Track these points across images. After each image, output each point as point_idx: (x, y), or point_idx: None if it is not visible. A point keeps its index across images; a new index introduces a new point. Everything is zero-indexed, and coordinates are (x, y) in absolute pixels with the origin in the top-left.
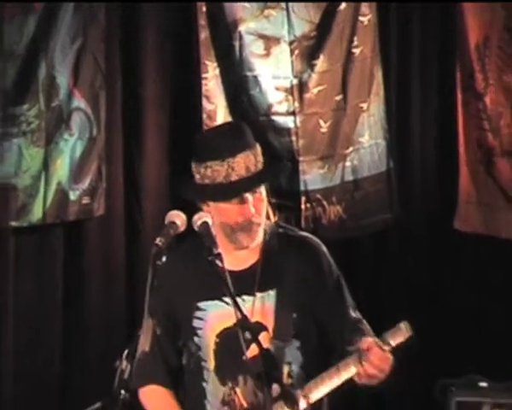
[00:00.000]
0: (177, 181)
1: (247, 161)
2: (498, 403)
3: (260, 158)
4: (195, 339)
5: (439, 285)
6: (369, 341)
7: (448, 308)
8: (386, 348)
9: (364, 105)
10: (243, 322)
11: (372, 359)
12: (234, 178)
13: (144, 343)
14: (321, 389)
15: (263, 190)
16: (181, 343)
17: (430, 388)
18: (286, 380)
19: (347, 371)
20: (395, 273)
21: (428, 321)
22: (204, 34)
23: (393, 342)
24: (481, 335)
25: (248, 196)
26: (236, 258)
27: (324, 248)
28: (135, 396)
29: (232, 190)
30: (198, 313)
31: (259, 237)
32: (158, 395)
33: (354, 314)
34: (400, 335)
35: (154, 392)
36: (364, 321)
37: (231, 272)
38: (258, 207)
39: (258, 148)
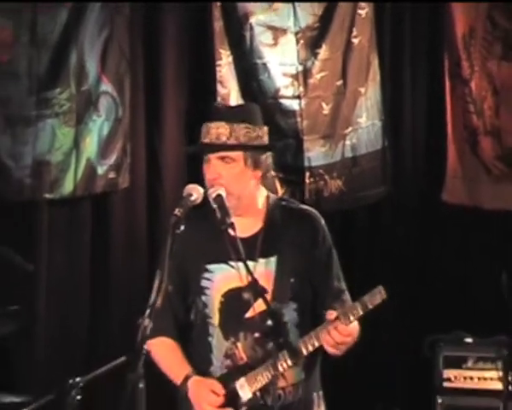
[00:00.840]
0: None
1: (220, 130)
2: (482, 357)
3: (240, 135)
4: (203, 297)
5: (428, 252)
6: (334, 315)
7: (436, 272)
8: (361, 311)
9: (362, 89)
10: (253, 284)
11: (334, 334)
12: (205, 140)
13: (158, 300)
14: (310, 344)
15: (240, 161)
16: (190, 301)
17: (419, 344)
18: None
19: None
20: (387, 242)
21: (418, 284)
22: (218, 25)
23: (370, 305)
24: (466, 296)
25: (213, 159)
26: (241, 225)
27: (322, 222)
28: None
29: (195, 148)
30: (206, 275)
31: (229, 202)
32: (167, 346)
33: (338, 284)
34: (376, 298)
35: (163, 343)
36: (347, 292)
37: (239, 238)
38: (227, 174)
39: (244, 125)
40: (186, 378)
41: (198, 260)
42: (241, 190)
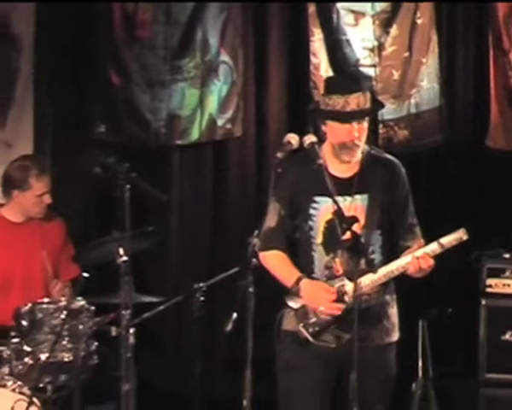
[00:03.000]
0: (309, 109)
1: (359, 100)
2: None
3: (368, 99)
4: (309, 222)
5: (475, 186)
6: (421, 246)
7: (482, 203)
8: (446, 247)
9: (424, 59)
10: (339, 213)
11: (421, 262)
12: (347, 109)
13: (270, 221)
14: (402, 267)
15: (366, 122)
16: (297, 223)
17: (468, 258)
18: (370, 255)
19: (406, 259)
20: (444, 179)
21: (468, 212)
22: (312, 8)
23: (454, 242)
24: (505, 221)
25: (355, 123)
26: (342, 168)
27: (403, 169)
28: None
29: (345, 117)
30: (314, 205)
31: (358, 156)
32: (280, 257)
33: (411, 220)
34: (458, 237)
35: (276, 255)
36: (418, 226)
37: (338, 178)
38: (361, 133)
39: (368, 94)
40: (298, 280)
41: (306, 192)
42: (363, 143)
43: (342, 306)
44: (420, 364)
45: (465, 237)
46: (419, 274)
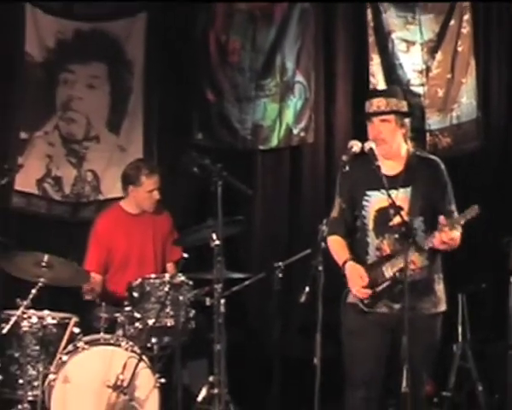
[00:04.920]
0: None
1: (379, 103)
2: None
3: (393, 104)
4: (363, 212)
5: (507, 183)
6: (445, 222)
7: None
8: (460, 223)
9: (464, 80)
10: (392, 204)
11: (442, 236)
12: (369, 110)
13: (334, 213)
14: (430, 242)
15: (390, 123)
16: (356, 213)
17: (499, 242)
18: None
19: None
20: (479, 175)
21: (500, 206)
22: (371, 38)
23: (468, 217)
24: None
25: (376, 122)
26: (390, 166)
27: (443, 166)
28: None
29: (367, 115)
30: (366, 198)
31: (384, 150)
32: (338, 241)
33: (450, 207)
34: (472, 213)
35: (336, 239)
36: (456, 213)
37: (387, 176)
38: (385, 131)
39: (394, 99)
40: (345, 262)
41: (362, 188)
42: (392, 141)
43: (369, 291)
44: (460, 330)
45: (477, 212)
46: (443, 246)
